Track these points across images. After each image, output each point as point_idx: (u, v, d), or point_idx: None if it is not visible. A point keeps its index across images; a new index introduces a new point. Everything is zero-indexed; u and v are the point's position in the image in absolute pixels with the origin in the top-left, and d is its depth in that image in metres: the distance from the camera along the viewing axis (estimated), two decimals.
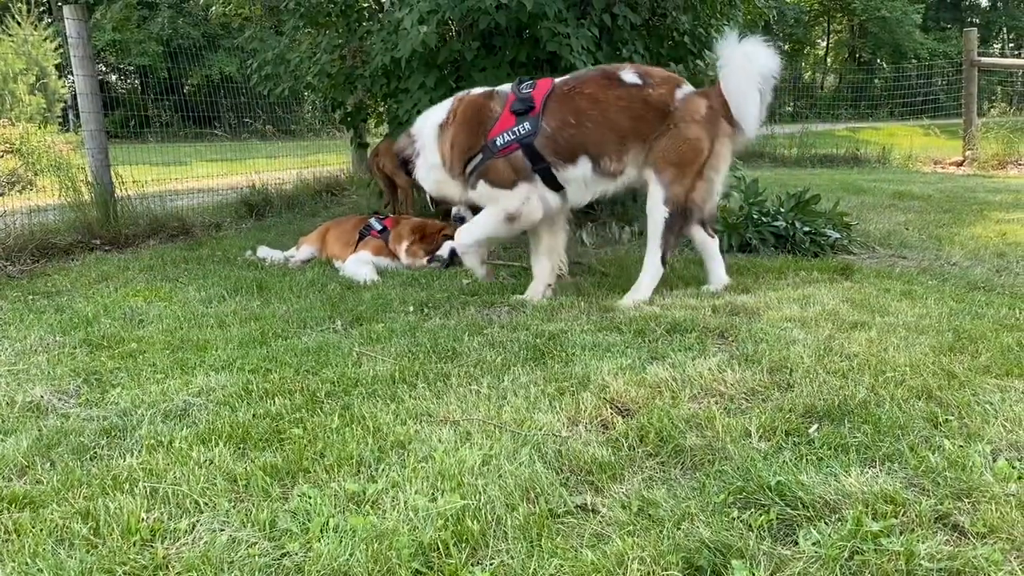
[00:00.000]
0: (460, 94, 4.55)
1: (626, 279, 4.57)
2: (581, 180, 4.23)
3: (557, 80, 4.32)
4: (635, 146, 4.16)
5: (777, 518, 1.98)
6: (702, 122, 4.11)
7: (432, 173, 4.48)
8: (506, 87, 4.39)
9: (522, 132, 4.15)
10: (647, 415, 2.60)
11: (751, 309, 3.90)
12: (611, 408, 2.71)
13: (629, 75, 4.18)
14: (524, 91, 4.26)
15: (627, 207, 6.86)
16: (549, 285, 4.42)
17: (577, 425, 2.60)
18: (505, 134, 4.19)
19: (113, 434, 2.65)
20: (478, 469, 2.27)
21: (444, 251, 5.24)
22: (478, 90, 4.53)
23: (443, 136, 4.39)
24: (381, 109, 7.43)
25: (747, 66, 4.10)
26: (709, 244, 4.45)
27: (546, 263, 4.44)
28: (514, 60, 6.08)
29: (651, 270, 4.21)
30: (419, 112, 6.09)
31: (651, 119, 4.12)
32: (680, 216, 4.17)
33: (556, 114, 4.16)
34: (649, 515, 2.02)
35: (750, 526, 1.95)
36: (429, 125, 4.47)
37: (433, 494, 2.15)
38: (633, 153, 4.17)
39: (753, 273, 4.76)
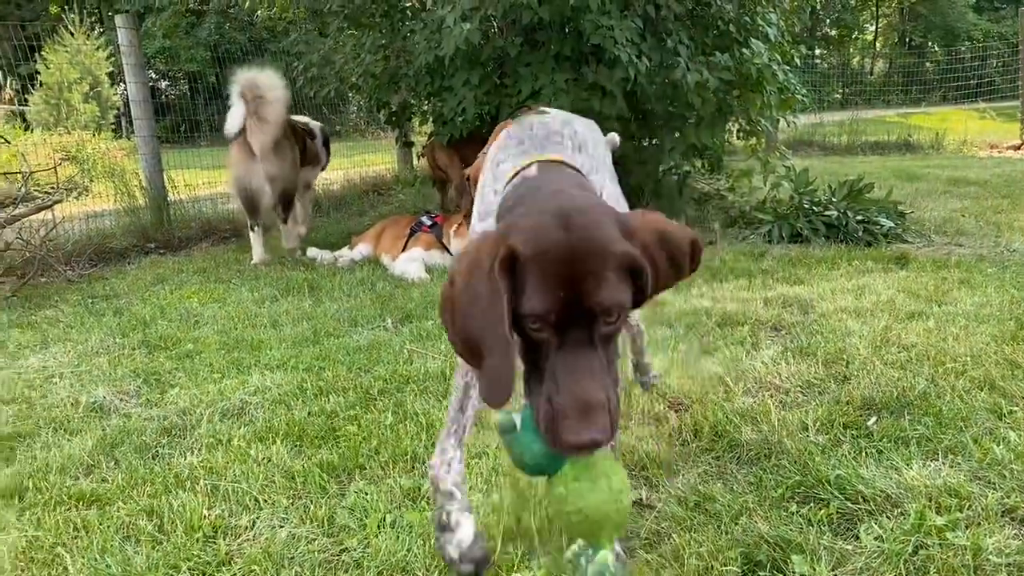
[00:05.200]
0: None
1: None
2: None
3: None
4: None
5: (837, 512, 1.95)
6: None
7: None
8: None
9: None
10: (701, 410, 2.58)
11: (804, 300, 3.84)
12: (665, 403, 2.69)
13: None
14: None
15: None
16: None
17: (631, 420, 2.59)
18: None
19: (173, 433, 2.71)
20: None
21: None
22: None
23: None
24: (426, 108, 7.46)
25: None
26: None
27: None
28: (558, 55, 6.06)
29: None
30: (464, 110, 6.12)
31: None
32: None
33: None
34: (706, 510, 2.01)
35: (809, 520, 1.92)
36: None
37: (488, 489, 2.15)
38: None
39: (805, 264, 4.68)
